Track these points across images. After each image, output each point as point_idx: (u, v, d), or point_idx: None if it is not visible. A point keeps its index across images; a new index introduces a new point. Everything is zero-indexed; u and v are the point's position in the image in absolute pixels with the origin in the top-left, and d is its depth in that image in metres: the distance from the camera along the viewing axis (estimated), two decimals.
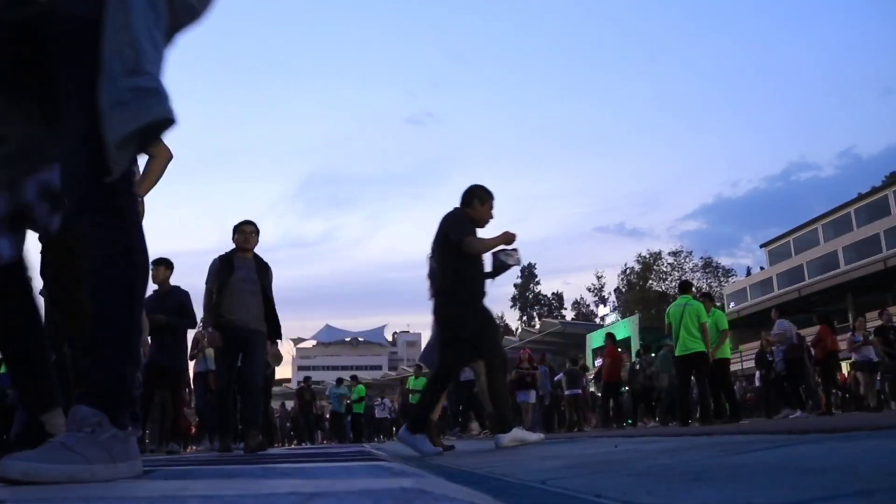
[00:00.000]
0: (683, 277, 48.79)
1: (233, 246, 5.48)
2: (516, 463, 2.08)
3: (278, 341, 5.93)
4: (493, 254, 4.27)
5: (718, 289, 47.74)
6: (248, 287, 5.29)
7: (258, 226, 5.50)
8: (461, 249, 4.10)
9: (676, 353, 7.83)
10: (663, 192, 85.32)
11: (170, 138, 3.34)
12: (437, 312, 4.30)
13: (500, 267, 4.30)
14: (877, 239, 30.10)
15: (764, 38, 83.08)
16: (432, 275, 4.46)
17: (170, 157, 3.31)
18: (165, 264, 6.41)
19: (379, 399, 20.04)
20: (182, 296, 6.40)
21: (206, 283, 5.36)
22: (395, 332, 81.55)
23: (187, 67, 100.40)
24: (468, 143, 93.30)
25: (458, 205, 4.35)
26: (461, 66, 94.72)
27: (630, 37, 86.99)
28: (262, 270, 5.44)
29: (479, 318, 4.17)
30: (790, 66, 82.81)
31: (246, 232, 5.43)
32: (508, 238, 4.19)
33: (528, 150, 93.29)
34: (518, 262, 4.37)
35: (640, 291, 49.44)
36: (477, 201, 4.30)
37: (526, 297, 62.14)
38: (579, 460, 2.20)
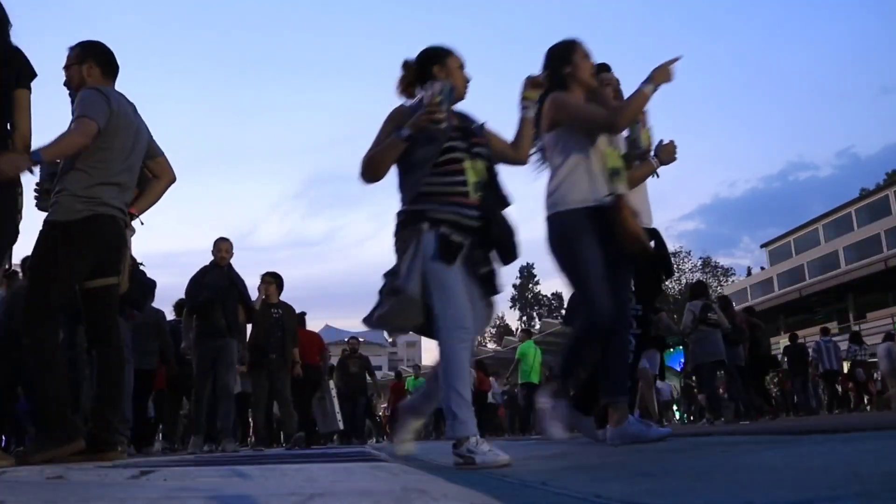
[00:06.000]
0: (683, 277, 48.79)
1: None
2: (516, 463, 2.07)
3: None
4: None
5: (719, 289, 47.68)
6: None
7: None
8: None
9: (523, 381, 10.91)
10: (660, 192, 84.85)
11: (173, 145, 3.34)
12: None
13: None
14: (878, 239, 30.10)
15: (760, 38, 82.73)
16: None
17: (173, 179, 3.28)
18: None
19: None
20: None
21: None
22: None
23: (191, 69, 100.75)
24: None
25: None
26: None
27: (626, 37, 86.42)
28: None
29: None
30: (787, 66, 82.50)
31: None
32: None
33: None
34: None
35: None
36: None
37: (525, 298, 62.03)
38: (579, 461, 2.20)
